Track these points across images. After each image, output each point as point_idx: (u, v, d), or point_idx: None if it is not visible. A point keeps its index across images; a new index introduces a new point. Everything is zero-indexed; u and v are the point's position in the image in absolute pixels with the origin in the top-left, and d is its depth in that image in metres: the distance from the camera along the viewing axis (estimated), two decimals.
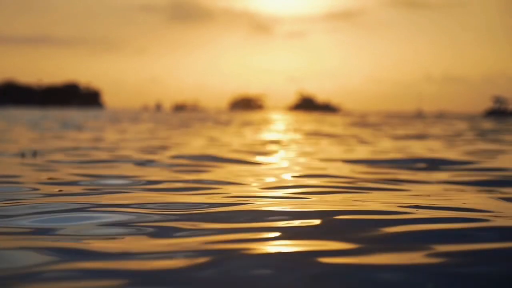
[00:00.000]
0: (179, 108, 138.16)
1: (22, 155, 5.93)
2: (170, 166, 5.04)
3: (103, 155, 6.00)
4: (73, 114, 37.99)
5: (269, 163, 5.51)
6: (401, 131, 14.94)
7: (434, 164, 5.50)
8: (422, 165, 5.46)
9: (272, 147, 8.11)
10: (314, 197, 3.15)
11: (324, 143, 9.31)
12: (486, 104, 61.25)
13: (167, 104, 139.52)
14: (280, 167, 5.10)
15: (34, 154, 6.04)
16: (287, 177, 4.28)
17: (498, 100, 58.17)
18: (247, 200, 2.99)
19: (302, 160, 5.93)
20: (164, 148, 7.35)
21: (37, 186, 3.56)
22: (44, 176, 4.12)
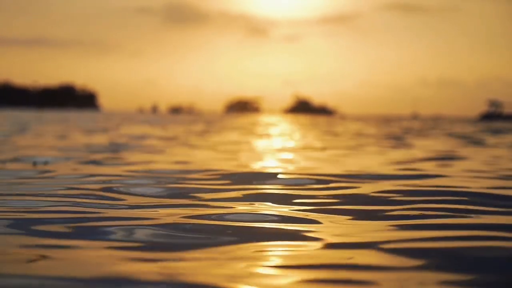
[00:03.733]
0: (175, 110, 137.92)
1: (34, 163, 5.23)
2: None
3: None
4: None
5: None
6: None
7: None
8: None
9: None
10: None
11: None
12: (481, 107, 61.20)
13: (163, 107, 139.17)
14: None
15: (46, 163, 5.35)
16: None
17: (493, 103, 58.15)
18: None
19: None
20: None
21: None
22: None
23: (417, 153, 7.62)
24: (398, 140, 11.43)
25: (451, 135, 14.60)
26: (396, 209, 3.01)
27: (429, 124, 27.98)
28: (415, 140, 11.53)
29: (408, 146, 9.34)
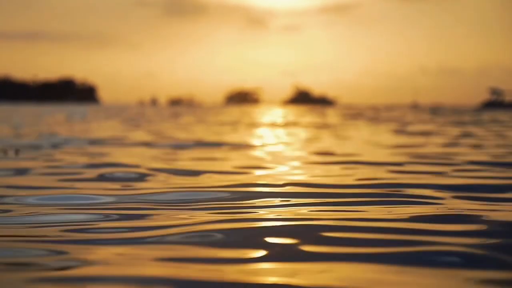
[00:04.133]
0: (175, 102, 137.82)
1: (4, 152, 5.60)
2: None
3: None
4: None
5: None
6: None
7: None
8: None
9: None
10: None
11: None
12: (482, 95, 61.21)
13: (163, 99, 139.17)
14: None
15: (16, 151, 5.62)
16: None
17: (494, 91, 58.10)
18: None
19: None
20: None
21: None
22: None
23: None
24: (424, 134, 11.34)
25: (458, 123, 14.52)
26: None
27: (436, 115, 27.89)
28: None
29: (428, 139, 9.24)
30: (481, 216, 2.53)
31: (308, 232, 2.20)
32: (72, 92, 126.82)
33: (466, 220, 2.45)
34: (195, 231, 2.22)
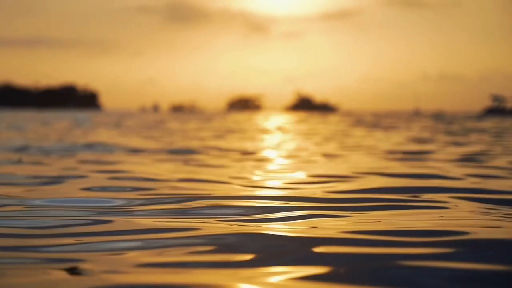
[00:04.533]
0: (177, 109, 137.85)
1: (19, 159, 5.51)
2: None
3: None
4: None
5: None
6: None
7: None
8: None
9: None
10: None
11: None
12: (483, 102, 61.37)
13: (164, 105, 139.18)
14: None
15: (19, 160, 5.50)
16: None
17: (496, 98, 58.18)
18: None
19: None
20: None
21: None
22: None
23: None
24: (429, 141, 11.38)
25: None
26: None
27: (440, 121, 27.97)
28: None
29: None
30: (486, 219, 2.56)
31: (314, 237, 2.18)
32: (74, 98, 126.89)
33: (471, 223, 2.46)
34: (199, 236, 2.21)
